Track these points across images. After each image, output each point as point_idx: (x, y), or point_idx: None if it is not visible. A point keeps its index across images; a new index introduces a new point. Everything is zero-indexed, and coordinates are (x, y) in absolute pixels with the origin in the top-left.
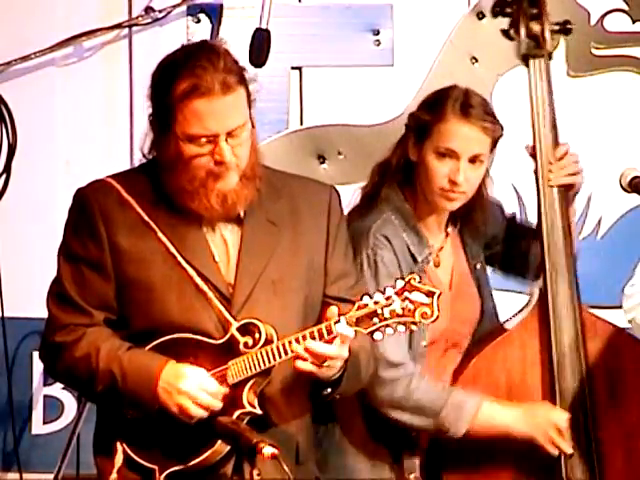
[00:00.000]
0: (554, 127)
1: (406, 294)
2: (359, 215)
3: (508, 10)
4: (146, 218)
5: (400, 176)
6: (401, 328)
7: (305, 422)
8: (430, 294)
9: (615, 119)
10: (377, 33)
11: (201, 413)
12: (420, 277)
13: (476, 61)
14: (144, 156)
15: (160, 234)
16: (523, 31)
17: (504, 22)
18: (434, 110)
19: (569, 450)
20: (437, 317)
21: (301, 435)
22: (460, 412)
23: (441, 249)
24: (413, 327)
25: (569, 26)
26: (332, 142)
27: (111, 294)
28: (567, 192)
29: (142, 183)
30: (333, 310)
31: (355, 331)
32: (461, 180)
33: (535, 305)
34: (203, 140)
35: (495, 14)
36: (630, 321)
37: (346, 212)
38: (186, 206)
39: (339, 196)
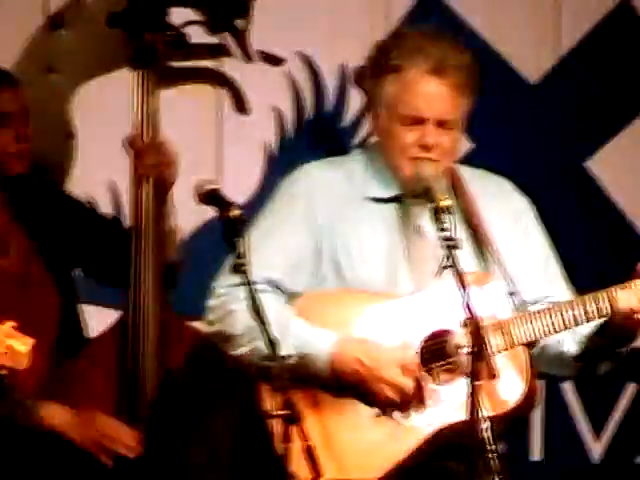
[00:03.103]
0: (154, 130)
1: None
2: None
3: (123, 21)
4: None
5: None
6: None
7: None
8: None
9: (193, 130)
10: None
11: None
12: None
13: (53, 71)
14: None
15: None
16: (134, 43)
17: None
18: None
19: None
20: None
21: None
22: None
23: None
24: None
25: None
26: None
27: None
28: (160, 192)
29: None
30: None
31: None
32: None
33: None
34: None
35: (110, 25)
36: (214, 333)
37: None
38: None
39: None
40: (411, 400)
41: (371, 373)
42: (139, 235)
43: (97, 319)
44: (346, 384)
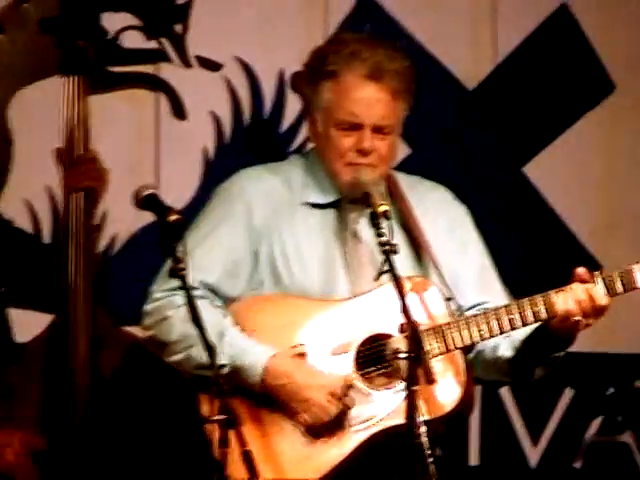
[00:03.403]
0: (85, 136)
1: None
2: None
3: (55, 27)
4: None
5: None
6: None
7: None
8: None
9: (132, 135)
10: None
11: None
12: None
13: None
14: None
15: None
16: (66, 48)
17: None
18: None
19: None
20: None
21: None
22: None
23: None
24: None
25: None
26: None
27: None
28: (88, 201)
29: None
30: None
31: None
32: None
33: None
34: None
35: (43, 31)
36: (149, 338)
37: None
38: None
39: None
40: (331, 424)
41: (299, 392)
42: (69, 239)
43: (28, 324)
44: (275, 398)
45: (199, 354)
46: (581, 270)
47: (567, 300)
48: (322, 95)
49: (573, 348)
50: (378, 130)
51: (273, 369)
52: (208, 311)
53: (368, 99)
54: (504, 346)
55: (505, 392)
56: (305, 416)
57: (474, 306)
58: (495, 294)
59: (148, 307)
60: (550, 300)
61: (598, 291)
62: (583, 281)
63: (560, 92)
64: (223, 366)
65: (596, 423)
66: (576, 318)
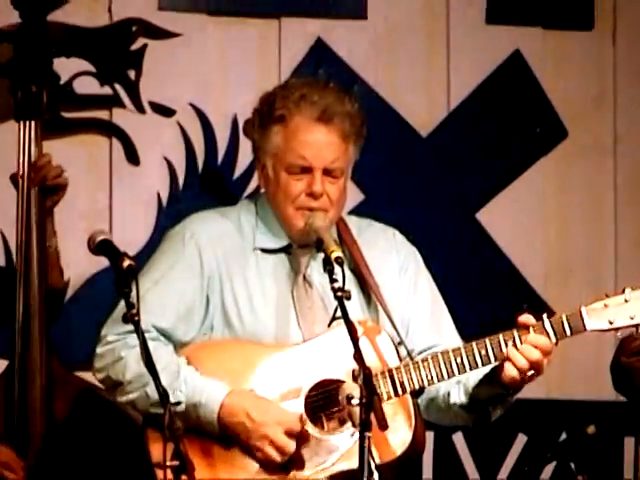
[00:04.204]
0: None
1: None
2: None
3: (9, 71)
4: None
5: None
6: None
7: None
8: None
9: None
10: None
11: None
12: None
13: None
14: None
15: None
16: (19, 93)
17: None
18: None
19: None
20: None
21: None
22: None
23: None
24: None
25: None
26: None
27: None
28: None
29: None
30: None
31: None
32: None
33: None
34: None
35: None
36: (102, 380)
37: None
38: None
39: None
40: (288, 461)
41: (256, 428)
42: (24, 278)
43: None
44: (232, 435)
45: (154, 392)
46: (524, 318)
47: (519, 359)
48: (272, 139)
49: (526, 395)
50: (328, 173)
51: (230, 406)
52: (162, 351)
53: (318, 142)
54: (456, 393)
55: (458, 437)
56: (263, 453)
57: (425, 350)
58: (446, 336)
59: (100, 350)
60: (498, 344)
61: (540, 338)
62: (527, 327)
63: (513, 138)
64: (179, 403)
65: (549, 469)
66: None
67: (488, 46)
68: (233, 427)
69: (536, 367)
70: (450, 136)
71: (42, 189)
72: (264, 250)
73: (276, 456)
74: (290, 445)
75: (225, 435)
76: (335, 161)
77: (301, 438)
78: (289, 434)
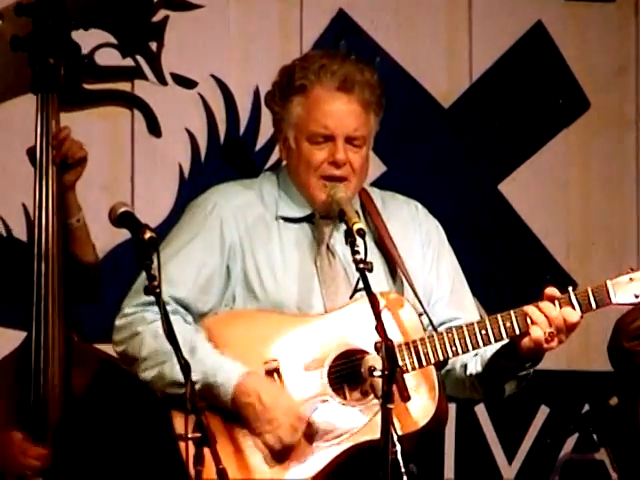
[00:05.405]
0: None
1: None
2: None
3: (27, 45)
4: None
5: None
6: None
7: None
8: None
9: (107, 152)
10: None
11: None
12: None
13: None
14: None
15: None
16: (38, 66)
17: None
18: None
19: None
20: None
21: None
22: None
23: None
24: None
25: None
26: None
27: None
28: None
29: None
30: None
31: None
32: None
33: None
34: None
35: (14, 48)
36: (120, 354)
37: None
38: None
39: None
40: (289, 450)
41: (265, 413)
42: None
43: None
44: (242, 415)
45: (171, 371)
46: (550, 290)
47: (539, 317)
48: (293, 110)
49: (548, 366)
50: (350, 142)
51: (243, 387)
52: (180, 326)
53: (339, 111)
54: (473, 364)
55: (480, 410)
56: (269, 437)
57: (444, 322)
58: (467, 310)
59: (119, 322)
60: (523, 316)
61: (569, 309)
62: (553, 300)
63: (535, 110)
64: (194, 382)
65: (571, 441)
66: (547, 333)
67: (510, 17)
68: (244, 408)
69: (559, 327)
70: (472, 108)
71: (62, 164)
72: (287, 219)
73: (282, 441)
74: (297, 432)
75: (237, 415)
76: (357, 129)
77: (307, 428)
78: (299, 420)
